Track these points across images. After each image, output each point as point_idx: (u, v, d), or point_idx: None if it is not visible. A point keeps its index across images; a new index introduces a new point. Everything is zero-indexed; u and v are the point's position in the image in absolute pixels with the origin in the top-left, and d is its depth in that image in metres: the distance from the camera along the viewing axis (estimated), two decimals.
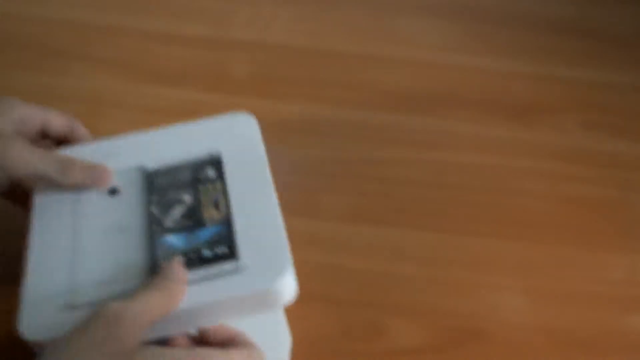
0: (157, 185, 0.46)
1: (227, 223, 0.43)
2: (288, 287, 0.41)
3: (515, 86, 0.71)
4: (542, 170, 0.62)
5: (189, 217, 0.44)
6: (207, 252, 0.41)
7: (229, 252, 0.41)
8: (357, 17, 0.78)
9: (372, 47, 0.74)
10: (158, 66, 0.69)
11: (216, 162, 0.47)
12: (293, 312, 0.47)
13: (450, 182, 0.60)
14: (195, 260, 0.41)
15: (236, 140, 0.50)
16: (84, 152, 0.47)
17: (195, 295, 0.39)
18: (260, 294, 0.40)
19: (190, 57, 0.71)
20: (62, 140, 0.49)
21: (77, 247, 0.43)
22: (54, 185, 0.43)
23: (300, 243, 0.54)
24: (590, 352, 0.48)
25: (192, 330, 0.40)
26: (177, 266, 0.39)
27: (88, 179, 0.44)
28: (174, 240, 0.43)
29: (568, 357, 0.48)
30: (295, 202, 0.57)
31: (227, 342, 0.39)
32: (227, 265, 0.41)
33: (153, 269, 0.41)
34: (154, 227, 0.43)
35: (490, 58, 0.74)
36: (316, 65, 0.71)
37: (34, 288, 0.41)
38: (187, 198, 0.45)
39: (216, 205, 0.44)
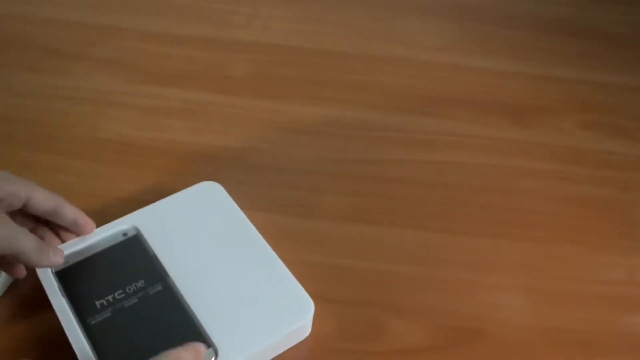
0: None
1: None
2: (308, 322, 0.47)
3: (515, 86, 0.71)
4: (542, 171, 0.62)
5: None
6: None
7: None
8: (357, 17, 0.78)
9: (372, 47, 0.74)
10: (158, 66, 0.69)
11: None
12: None
13: (450, 182, 0.60)
14: None
15: (213, 209, 0.52)
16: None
17: None
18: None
19: (190, 57, 0.71)
20: (45, 219, 0.47)
21: None
22: (30, 263, 0.43)
23: (300, 243, 0.54)
24: (589, 352, 0.48)
25: None
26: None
27: (61, 260, 0.45)
28: None
29: (567, 356, 0.48)
30: (295, 202, 0.57)
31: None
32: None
33: None
34: None
35: (490, 58, 0.74)
36: (316, 65, 0.71)
37: None
38: None
39: None
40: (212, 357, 0.42)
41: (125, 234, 0.49)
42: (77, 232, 0.48)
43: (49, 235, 0.48)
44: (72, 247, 0.48)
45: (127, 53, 0.71)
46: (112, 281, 0.46)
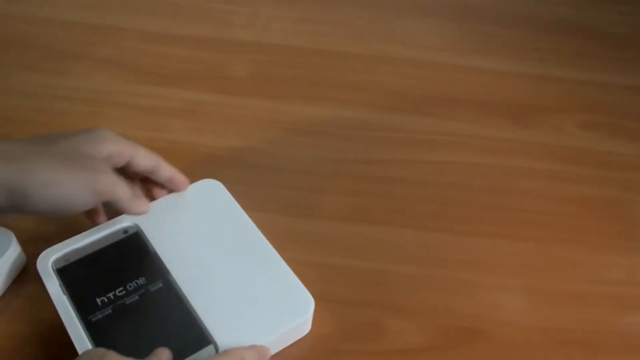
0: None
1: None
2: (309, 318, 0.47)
3: (515, 86, 0.71)
4: (542, 171, 0.62)
5: None
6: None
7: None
8: (357, 17, 0.78)
9: (372, 47, 0.74)
10: (158, 66, 0.69)
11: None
12: None
13: (450, 182, 0.60)
14: None
15: (213, 207, 0.52)
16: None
17: None
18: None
19: (190, 57, 0.71)
20: (144, 177, 0.51)
21: None
22: (123, 210, 0.47)
23: (300, 243, 0.54)
24: (589, 352, 0.48)
25: None
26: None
27: (146, 210, 0.50)
28: None
29: (567, 356, 0.48)
30: (295, 202, 0.57)
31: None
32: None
33: None
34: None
35: (490, 58, 0.74)
36: (316, 65, 0.71)
37: None
38: None
39: None
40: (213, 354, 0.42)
41: (126, 231, 0.49)
42: (172, 188, 0.52)
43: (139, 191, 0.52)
44: (73, 244, 0.48)
45: (127, 53, 0.71)
46: (113, 278, 0.46)
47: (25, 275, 0.49)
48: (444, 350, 0.48)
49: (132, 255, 0.48)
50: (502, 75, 0.72)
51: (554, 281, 0.53)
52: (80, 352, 0.42)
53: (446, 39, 0.76)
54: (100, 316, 0.44)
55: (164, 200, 0.52)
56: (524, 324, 0.50)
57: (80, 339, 0.42)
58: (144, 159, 0.49)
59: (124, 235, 0.49)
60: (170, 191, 0.53)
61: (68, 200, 0.43)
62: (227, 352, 0.41)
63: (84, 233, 0.49)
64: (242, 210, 0.51)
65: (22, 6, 0.75)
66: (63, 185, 0.42)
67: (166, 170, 0.51)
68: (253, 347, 0.43)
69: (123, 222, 0.50)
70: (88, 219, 0.50)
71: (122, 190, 0.46)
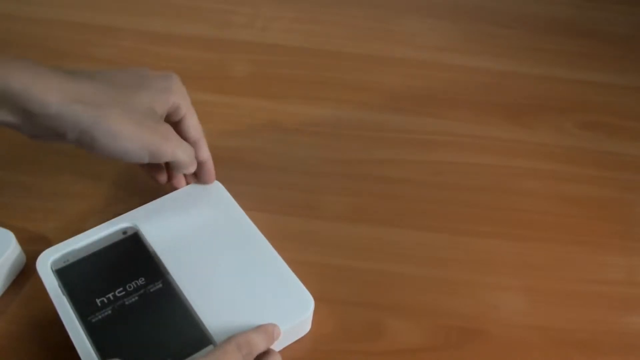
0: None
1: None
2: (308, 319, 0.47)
3: (515, 86, 0.71)
4: (542, 171, 0.62)
5: None
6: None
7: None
8: (357, 17, 0.78)
9: (372, 47, 0.74)
10: (158, 66, 0.69)
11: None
12: None
13: (450, 182, 0.60)
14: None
15: (212, 207, 0.52)
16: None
17: None
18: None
19: (190, 57, 0.71)
20: None
21: None
22: (180, 171, 0.50)
23: (300, 243, 0.54)
24: (589, 352, 0.48)
25: None
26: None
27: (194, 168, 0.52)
28: None
29: (567, 357, 0.48)
30: (295, 202, 0.57)
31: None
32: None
33: None
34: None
35: (490, 58, 0.74)
36: (316, 65, 0.71)
37: None
38: None
39: None
40: None
41: (125, 232, 0.49)
42: (200, 175, 0.53)
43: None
44: (73, 245, 0.48)
45: (127, 53, 0.71)
46: (113, 279, 0.46)
47: (25, 275, 0.49)
48: (444, 350, 0.48)
49: (132, 256, 0.48)
50: (502, 75, 0.72)
51: (554, 281, 0.53)
52: (80, 352, 0.42)
53: (446, 39, 0.76)
54: (99, 317, 0.44)
55: (163, 201, 0.52)
56: (524, 324, 0.50)
57: (80, 340, 0.42)
58: (193, 127, 0.50)
59: (123, 236, 0.49)
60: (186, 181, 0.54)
61: (128, 153, 0.45)
62: (233, 338, 0.41)
63: (83, 234, 0.49)
64: (242, 210, 0.51)
65: (22, 6, 0.75)
66: (128, 140, 0.45)
67: (204, 151, 0.51)
68: (259, 328, 0.43)
69: (122, 223, 0.50)
70: (149, 175, 0.53)
71: (183, 152, 0.48)
